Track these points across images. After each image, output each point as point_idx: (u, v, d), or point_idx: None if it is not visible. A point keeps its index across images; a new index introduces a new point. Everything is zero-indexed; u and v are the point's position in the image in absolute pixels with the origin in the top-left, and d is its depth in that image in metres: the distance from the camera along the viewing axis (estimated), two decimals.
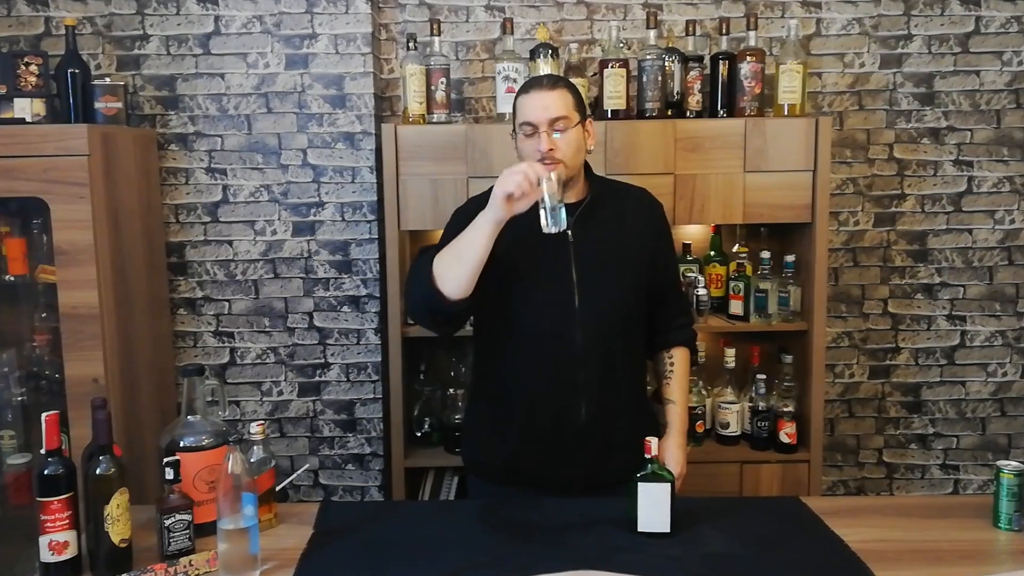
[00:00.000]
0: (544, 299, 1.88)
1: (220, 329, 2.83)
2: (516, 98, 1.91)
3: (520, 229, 1.79)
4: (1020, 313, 3.01)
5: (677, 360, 2.06)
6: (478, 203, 1.82)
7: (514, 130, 1.91)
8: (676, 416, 2.03)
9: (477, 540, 1.65)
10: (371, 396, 2.85)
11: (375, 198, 2.78)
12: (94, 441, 1.54)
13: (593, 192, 1.95)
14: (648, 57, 2.57)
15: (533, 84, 1.89)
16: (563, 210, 1.72)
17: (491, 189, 1.77)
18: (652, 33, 2.61)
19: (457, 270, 1.75)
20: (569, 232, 1.86)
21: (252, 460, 1.70)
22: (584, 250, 1.89)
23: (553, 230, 1.72)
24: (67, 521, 1.51)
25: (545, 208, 1.71)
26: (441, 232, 1.99)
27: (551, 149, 1.81)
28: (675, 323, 2.06)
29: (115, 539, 1.51)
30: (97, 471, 1.51)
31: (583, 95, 2.54)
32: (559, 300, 1.87)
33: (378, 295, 2.80)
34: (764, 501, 2.27)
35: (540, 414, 1.89)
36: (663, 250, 2.05)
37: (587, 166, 1.97)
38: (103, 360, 2.30)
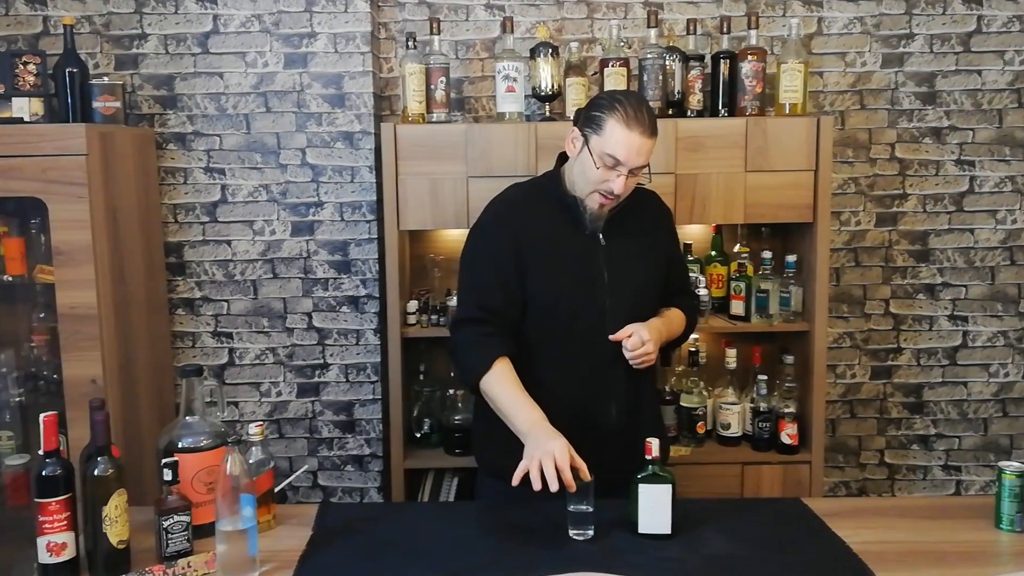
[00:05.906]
0: (577, 304, 1.90)
1: (219, 329, 2.82)
2: (610, 120, 1.79)
3: (550, 239, 1.88)
4: (1022, 313, 3.00)
5: (672, 308, 2.05)
6: (498, 214, 1.93)
7: (584, 138, 1.84)
8: (657, 318, 1.97)
9: (477, 541, 1.64)
10: (370, 397, 2.84)
11: (374, 198, 2.77)
12: (92, 442, 1.54)
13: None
14: (649, 56, 2.56)
15: (638, 122, 1.78)
16: (590, 515, 1.65)
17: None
18: (653, 32, 2.60)
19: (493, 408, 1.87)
20: (601, 236, 1.91)
21: (251, 461, 1.69)
22: (614, 254, 1.93)
23: (578, 537, 1.64)
24: (65, 522, 1.50)
25: (571, 514, 1.66)
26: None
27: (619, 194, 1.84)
28: (675, 301, 2.08)
29: (113, 540, 1.51)
30: (95, 472, 1.51)
31: (584, 95, 2.55)
32: (591, 304, 1.90)
33: (377, 295, 2.79)
34: (765, 502, 2.26)
35: (573, 416, 1.85)
36: (676, 254, 2.15)
37: None
38: (101, 360, 2.29)
